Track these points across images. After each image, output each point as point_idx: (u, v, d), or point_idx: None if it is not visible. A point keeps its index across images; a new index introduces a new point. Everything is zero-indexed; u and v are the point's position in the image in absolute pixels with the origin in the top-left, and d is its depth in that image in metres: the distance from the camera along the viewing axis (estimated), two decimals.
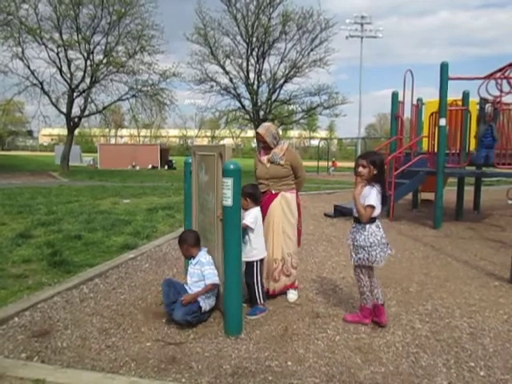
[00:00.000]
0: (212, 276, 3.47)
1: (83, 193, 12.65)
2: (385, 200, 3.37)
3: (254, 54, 25.42)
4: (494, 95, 8.18)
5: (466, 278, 4.87)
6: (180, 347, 3.09)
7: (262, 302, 3.78)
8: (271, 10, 24.35)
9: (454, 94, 9.00)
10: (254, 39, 24.97)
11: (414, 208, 10.28)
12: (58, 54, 22.33)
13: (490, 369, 2.86)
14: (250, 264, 3.77)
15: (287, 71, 25.67)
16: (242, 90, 26.22)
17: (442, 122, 7.74)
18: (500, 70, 8.06)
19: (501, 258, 5.72)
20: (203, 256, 3.58)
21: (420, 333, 3.40)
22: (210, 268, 3.51)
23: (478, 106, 8.51)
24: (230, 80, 25.63)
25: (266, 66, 25.98)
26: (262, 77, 25.93)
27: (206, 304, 3.49)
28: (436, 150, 8.04)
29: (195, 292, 3.46)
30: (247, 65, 25.62)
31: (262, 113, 25.80)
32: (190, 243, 3.60)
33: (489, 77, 8.15)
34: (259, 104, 25.90)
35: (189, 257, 3.66)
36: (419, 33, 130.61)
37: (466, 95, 8.93)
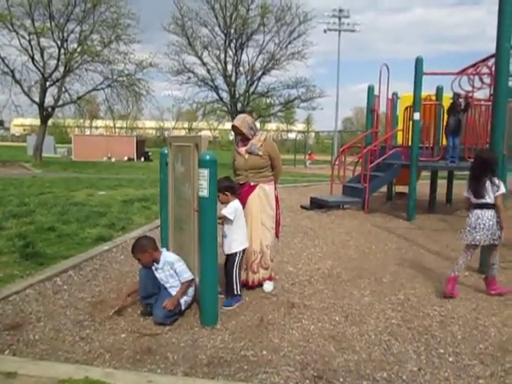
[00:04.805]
0: (185, 272, 3.44)
1: (57, 184, 12.39)
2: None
3: (232, 45, 25.25)
4: (466, 90, 8.38)
5: (437, 269, 5.00)
6: (155, 338, 3.08)
7: (239, 292, 3.80)
8: (250, 1, 24.21)
9: (428, 89, 9.19)
10: (232, 31, 24.78)
11: (388, 200, 10.47)
12: (29, 41, 21.60)
13: (458, 355, 2.96)
14: (231, 255, 3.78)
15: (265, 63, 25.59)
16: (220, 81, 26.03)
17: (416, 116, 7.89)
18: (472, 66, 8.26)
19: None
20: (167, 256, 3.51)
21: (392, 321, 3.49)
22: (181, 265, 3.46)
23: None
24: (208, 71, 25.40)
25: (244, 57, 25.85)
26: (240, 69, 25.80)
27: (185, 303, 3.47)
28: (410, 143, 8.19)
29: (175, 295, 3.38)
30: (225, 56, 25.43)
31: (239, 105, 25.68)
32: (153, 247, 3.46)
33: (462, 72, 8.35)
34: (237, 96, 25.78)
35: (151, 263, 3.48)
36: (395, 29, 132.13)
37: (439, 90, 9.12)
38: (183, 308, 3.45)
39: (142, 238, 3.62)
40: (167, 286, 3.47)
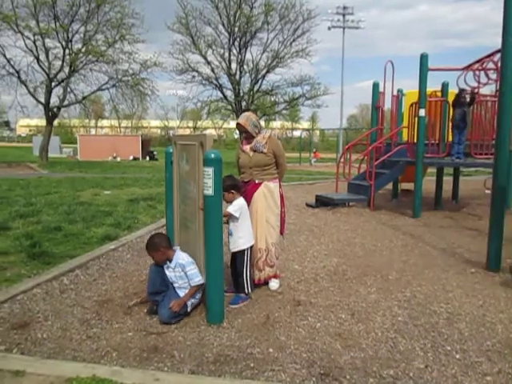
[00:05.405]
0: (196, 276, 3.41)
1: (63, 184, 12.45)
2: None
3: (236, 44, 25.18)
4: (472, 86, 8.32)
5: (443, 266, 4.98)
6: (162, 336, 3.09)
7: (250, 291, 3.81)
8: None
9: (433, 85, 9.13)
10: (236, 29, 24.72)
11: (393, 198, 10.42)
12: (34, 42, 21.69)
13: (466, 352, 2.95)
14: (239, 253, 3.79)
15: (269, 62, 25.51)
16: (224, 80, 25.99)
17: (422, 112, 7.85)
18: (478, 62, 8.19)
19: (477, 245, 5.85)
20: (180, 257, 3.48)
21: (399, 318, 3.48)
22: (193, 268, 3.43)
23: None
24: (212, 70, 25.38)
25: (248, 56, 25.79)
26: (245, 67, 25.73)
27: (191, 305, 3.46)
28: (416, 140, 8.15)
29: (183, 297, 3.38)
30: (229, 55, 25.39)
31: (244, 103, 25.66)
32: (165, 245, 3.45)
33: (467, 68, 8.29)
34: (241, 94, 25.75)
35: (164, 261, 3.48)
36: (399, 25, 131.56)
37: (445, 86, 9.06)
38: (189, 310, 3.44)
39: (155, 235, 3.59)
40: (175, 286, 3.47)
